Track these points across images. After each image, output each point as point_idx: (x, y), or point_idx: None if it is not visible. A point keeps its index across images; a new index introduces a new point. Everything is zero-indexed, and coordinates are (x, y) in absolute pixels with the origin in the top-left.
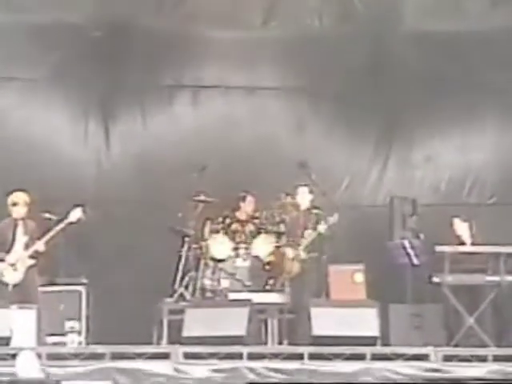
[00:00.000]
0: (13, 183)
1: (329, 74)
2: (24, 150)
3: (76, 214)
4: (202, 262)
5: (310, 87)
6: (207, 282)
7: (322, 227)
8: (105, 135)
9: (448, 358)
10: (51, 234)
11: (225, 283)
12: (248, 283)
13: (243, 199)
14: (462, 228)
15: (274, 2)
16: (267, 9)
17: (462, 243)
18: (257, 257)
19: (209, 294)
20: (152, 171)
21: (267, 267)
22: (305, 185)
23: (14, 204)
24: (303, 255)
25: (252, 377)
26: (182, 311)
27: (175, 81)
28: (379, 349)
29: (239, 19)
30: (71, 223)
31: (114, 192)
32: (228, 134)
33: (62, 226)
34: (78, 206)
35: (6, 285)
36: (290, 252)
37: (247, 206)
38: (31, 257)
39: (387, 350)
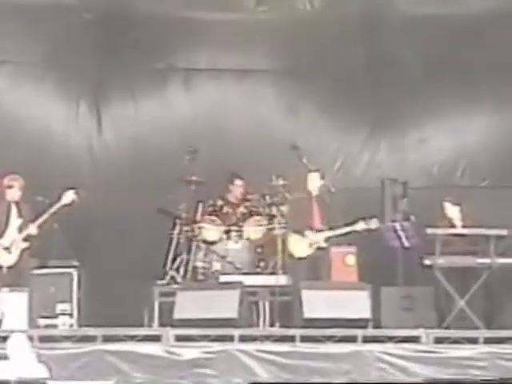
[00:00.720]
0: (3, 167)
1: (321, 57)
2: (15, 133)
3: (69, 197)
4: (194, 244)
5: (302, 70)
6: (199, 265)
7: (360, 226)
8: (97, 119)
9: (439, 340)
10: (44, 217)
11: (216, 266)
12: (239, 265)
13: (231, 181)
14: (452, 211)
15: None
16: None
17: (453, 226)
18: (248, 239)
19: (200, 277)
20: (144, 155)
21: (258, 249)
22: (316, 170)
23: (10, 187)
24: (323, 244)
25: (243, 359)
26: (173, 294)
27: (167, 64)
28: (371, 331)
29: (231, 2)
30: (64, 205)
31: (105, 175)
32: (220, 117)
33: (55, 208)
34: (70, 188)
35: (1, 267)
36: (304, 237)
37: (236, 189)
38: (25, 240)
39: (378, 332)
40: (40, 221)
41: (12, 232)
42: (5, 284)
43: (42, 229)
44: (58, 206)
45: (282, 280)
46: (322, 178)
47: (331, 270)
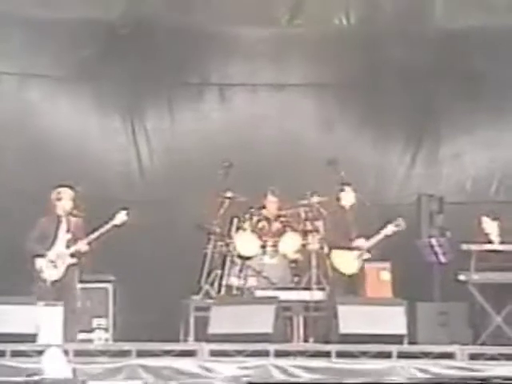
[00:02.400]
0: (40, 181)
1: (357, 72)
2: (51, 146)
3: (121, 218)
4: (229, 259)
5: (337, 84)
6: (234, 280)
7: (390, 229)
8: (132, 133)
9: (474, 357)
10: (96, 234)
11: (252, 281)
12: (275, 281)
13: (264, 197)
14: (490, 226)
15: (300, 1)
16: (293, 6)
17: (490, 241)
18: (284, 254)
19: (235, 292)
20: (179, 168)
21: (293, 265)
22: (348, 184)
23: (59, 199)
24: (367, 255)
25: (278, 375)
26: (208, 308)
27: (202, 78)
28: (406, 347)
29: (265, 17)
30: (116, 226)
31: (141, 189)
32: (255, 132)
33: (107, 227)
34: (123, 208)
35: (45, 281)
36: (353, 252)
37: (269, 205)
38: (72, 255)
39: (414, 348)
40: (91, 238)
41: (59, 246)
42: (50, 298)
43: (92, 246)
44: (109, 225)
45: (316, 295)
46: (355, 191)
47: (366, 285)
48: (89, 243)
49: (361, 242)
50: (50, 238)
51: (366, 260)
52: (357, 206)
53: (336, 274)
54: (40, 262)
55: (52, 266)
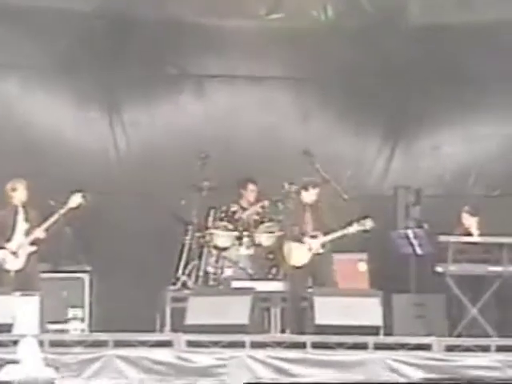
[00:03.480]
0: (16, 171)
1: (335, 65)
2: (27, 138)
3: (76, 200)
4: (206, 250)
5: (315, 77)
6: (211, 270)
7: (354, 228)
8: (109, 124)
9: (450, 348)
10: (51, 220)
11: (228, 271)
12: (251, 271)
13: (244, 186)
14: (470, 221)
15: None
16: (272, 0)
17: (469, 234)
18: (260, 245)
19: (212, 283)
20: (156, 160)
21: (270, 256)
22: (314, 186)
23: (14, 189)
24: (320, 250)
25: (254, 365)
26: (185, 299)
27: (180, 70)
28: (382, 338)
29: (245, 9)
30: (71, 209)
31: (118, 180)
32: (233, 123)
33: (61, 212)
34: (77, 191)
35: (8, 272)
36: (309, 243)
37: (249, 194)
38: (32, 243)
39: (390, 339)
40: (47, 224)
41: (19, 236)
42: (13, 288)
43: (50, 232)
44: (64, 209)
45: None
46: (330, 183)
47: (334, 276)
48: (46, 229)
49: (314, 243)
50: (9, 229)
51: (319, 254)
52: (334, 198)
53: (288, 265)
54: (1, 254)
55: (14, 256)
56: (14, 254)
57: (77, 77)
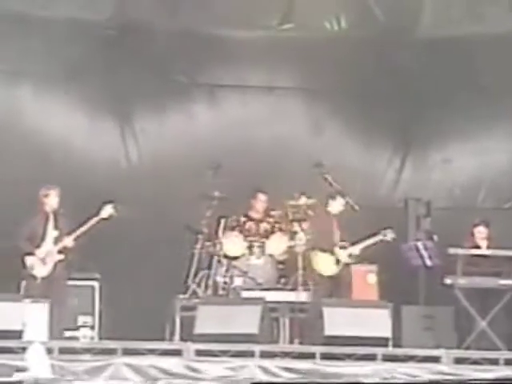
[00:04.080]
0: (26, 180)
1: (347, 76)
2: (38, 145)
3: (107, 211)
4: (216, 259)
5: (327, 88)
6: (220, 280)
7: (376, 239)
8: (121, 133)
9: (459, 361)
10: (81, 230)
11: (238, 281)
12: (261, 281)
13: (255, 196)
14: (482, 234)
15: (291, 4)
16: (284, 10)
17: (478, 247)
18: (271, 255)
19: (221, 292)
20: (168, 170)
21: (280, 266)
22: (340, 193)
23: (46, 196)
24: (348, 260)
25: (262, 375)
26: (194, 308)
27: (192, 80)
28: (391, 350)
29: (256, 20)
30: (102, 219)
31: (129, 190)
32: (244, 134)
33: (92, 222)
34: (108, 202)
35: (35, 278)
36: (340, 254)
37: (259, 204)
38: (60, 252)
39: (399, 351)
40: (76, 234)
41: (48, 243)
42: (40, 295)
43: (78, 242)
44: (96, 219)
45: (302, 296)
46: (343, 196)
47: (352, 287)
48: (75, 239)
49: (343, 253)
50: (39, 236)
51: (347, 264)
52: (345, 210)
53: (316, 275)
54: (30, 260)
55: (41, 263)
56: (43, 260)
57: (89, 85)
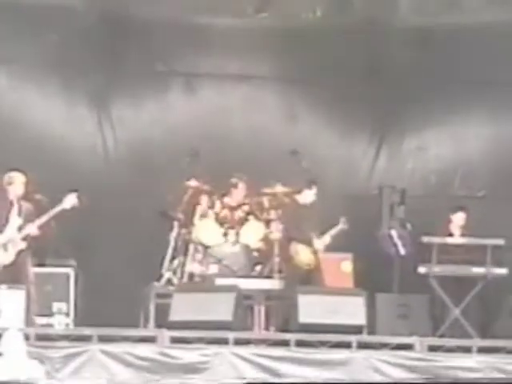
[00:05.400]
0: (4, 166)
1: (322, 65)
2: (16, 133)
3: (71, 201)
4: (192, 246)
5: (303, 77)
6: (196, 267)
7: (335, 230)
8: (98, 121)
9: (433, 348)
10: (45, 218)
11: (213, 269)
12: (235, 269)
13: (235, 186)
14: (461, 221)
15: None
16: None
17: (451, 234)
18: (246, 243)
19: (197, 279)
20: (144, 157)
21: (255, 253)
22: (314, 182)
23: (10, 183)
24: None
25: (237, 362)
26: (169, 295)
27: (168, 68)
28: (365, 337)
29: (233, 8)
30: (65, 209)
31: (105, 177)
32: (221, 122)
33: (55, 211)
34: (72, 191)
35: None
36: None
37: (238, 193)
38: (23, 239)
39: (373, 338)
40: (40, 222)
41: (10, 230)
42: (1, 282)
43: (42, 230)
44: (58, 208)
45: (276, 284)
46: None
47: (323, 275)
48: (39, 227)
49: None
50: (1, 223)
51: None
52: (318, 199)
53: (291, 264)
54: None
55: (3, 249)
56: (4, 247)
57: (66, 73)
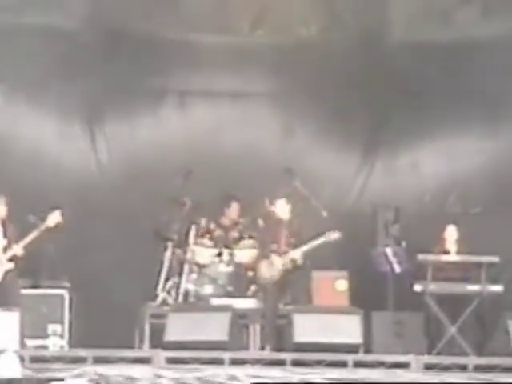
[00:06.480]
0: None
1: (316, 81)
2: (9, 152)
3: (54, 219)
4: (186, 266)
5: (297, 94)
6: (191, 287)
7: (320, 240)
8: (91, 139)
9: (429, 367)
10: (30, 237)
11: (208, 288)
12: (230, 289)
13: (228, 205)
14: (453, 236)
15: (262, 10)
16: (255, 16)
17: (446, 252)
18: (239, 263)
19: (192, 299)
20: (138, 175)
21: (249, 273)
22: (283, 197)
23: None
24: (289, 266)
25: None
26: (164, 316)
27: (162, 85)
28: (361, 356)
29: (227, 26)
30: (49, 227)
31: (98, 195)
32: (215, 139)
33: (40, 229)
34: (55, 208)
35: None
36: (277, 260)
37: (232, 212)
38: (10, 260)
39: (369, 357)
40: (25, 241)
41: None
42: None
43: (29, 250)
44: (42, 227)
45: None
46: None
47: (309, 292)
48: (24, 247)
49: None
50: None
51: (298, 268)
52: (314, 215)
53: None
54: None
55: None
56: None
57: (59, 90)
